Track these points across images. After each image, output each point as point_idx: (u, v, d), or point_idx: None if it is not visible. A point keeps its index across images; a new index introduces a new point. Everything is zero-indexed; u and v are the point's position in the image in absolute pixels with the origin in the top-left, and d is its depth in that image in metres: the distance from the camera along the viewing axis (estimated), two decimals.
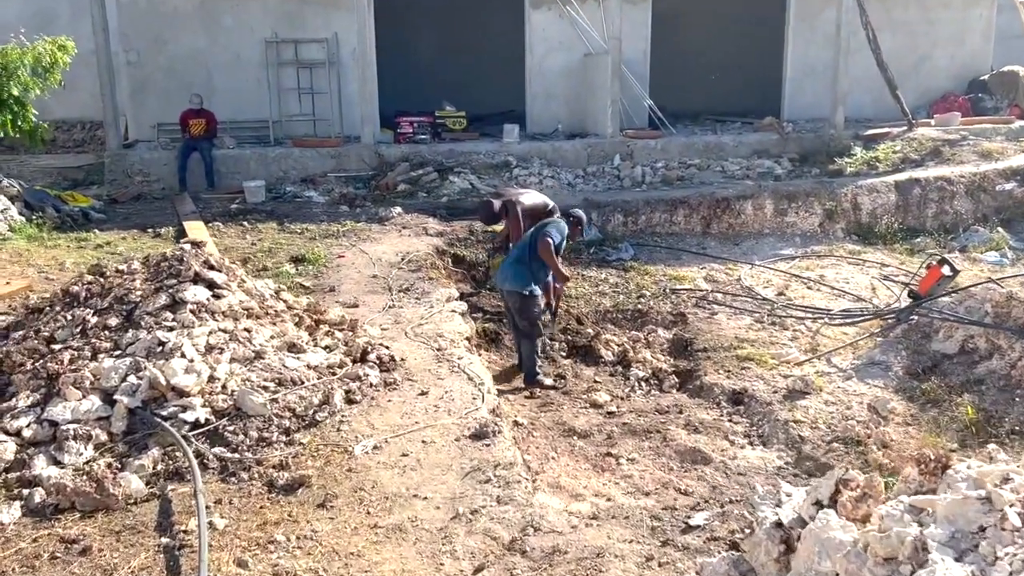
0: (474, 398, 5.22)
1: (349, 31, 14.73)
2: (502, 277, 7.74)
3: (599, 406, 7.57)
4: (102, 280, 5.54)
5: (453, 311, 7.20)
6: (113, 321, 5.07)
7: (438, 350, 6.11)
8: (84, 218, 11.48)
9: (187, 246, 5.79)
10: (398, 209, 11.66)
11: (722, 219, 12.65)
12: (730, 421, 7.24)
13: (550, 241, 7.63)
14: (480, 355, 8.06)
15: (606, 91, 14.94)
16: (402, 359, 5.83)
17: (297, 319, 5.83)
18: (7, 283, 7.00)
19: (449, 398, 5.25)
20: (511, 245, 9.36)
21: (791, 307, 9.67)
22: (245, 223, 11.29)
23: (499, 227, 10.07)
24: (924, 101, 17.46)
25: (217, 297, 5.31)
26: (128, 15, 14.95)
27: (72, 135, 19.46)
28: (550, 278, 8.22)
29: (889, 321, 8.68)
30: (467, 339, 6.62)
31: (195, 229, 10.70)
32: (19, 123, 10.88)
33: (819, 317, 9.33)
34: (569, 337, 9.17)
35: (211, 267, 5.52)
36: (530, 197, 9.47)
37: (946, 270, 8.62)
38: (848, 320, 9.10)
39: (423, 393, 5.34)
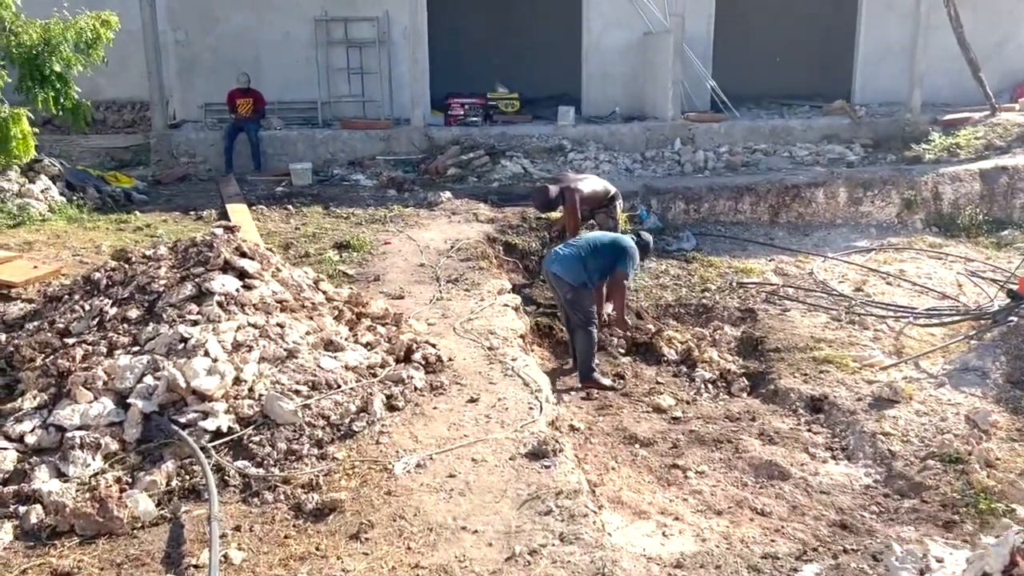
0: (530, 408, 4.61)
1: (400, 9, 14.20)
2: (553, 259, 7.14)
3: (663, 411, 6.95)
4: (126, 267, 5.07)
5: (506, 305, 6.61)
6: (133, 313, 4.59)
7: (489, 349, 5.52)
8: (126, 199, 11.15)
9: (219, 230, 5.30)
10: (447, 194, 11.12)
11: (791, 208, 11.88)
12: (809, 431, 6.56)
13: (627, 283, 7.14)
14: (533, 352, 7.50)
15: (667, 71, 14.18)
16: (450, 359, 5.25)
17: (336, 312, 5.31)
18: (35, 267, 6.61)
19: (502, 406, 4.64)
20: (567, 235, 8.76)
21: (871, 304, 8.91)
22: (290, 207, 10.87)
23: (555, 215, 9.47)
24: (1006, 84, 16.33)
25: (248, 288, 4.79)
26: None
27: (122, 115, 19.30)
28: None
29: (984, 322, 7.87)
30: (521, 337, 6.03)
31: (238, 212, 10.30)
32: (62, 100, 10.56)
33: (903, 316, 8.56)
34: (628, 332, 8.55)
35: (243, 254, 5.01)
36: (589, 184, 8.83)
37: None
38: (936, 320, 8.31)
39: (473, 400, 4.74)
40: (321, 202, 11.14)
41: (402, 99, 14.64)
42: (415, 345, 5.09)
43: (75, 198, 10.59)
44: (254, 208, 10.70)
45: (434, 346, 5.28)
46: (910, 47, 14.55)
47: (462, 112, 14.40)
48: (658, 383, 7.60)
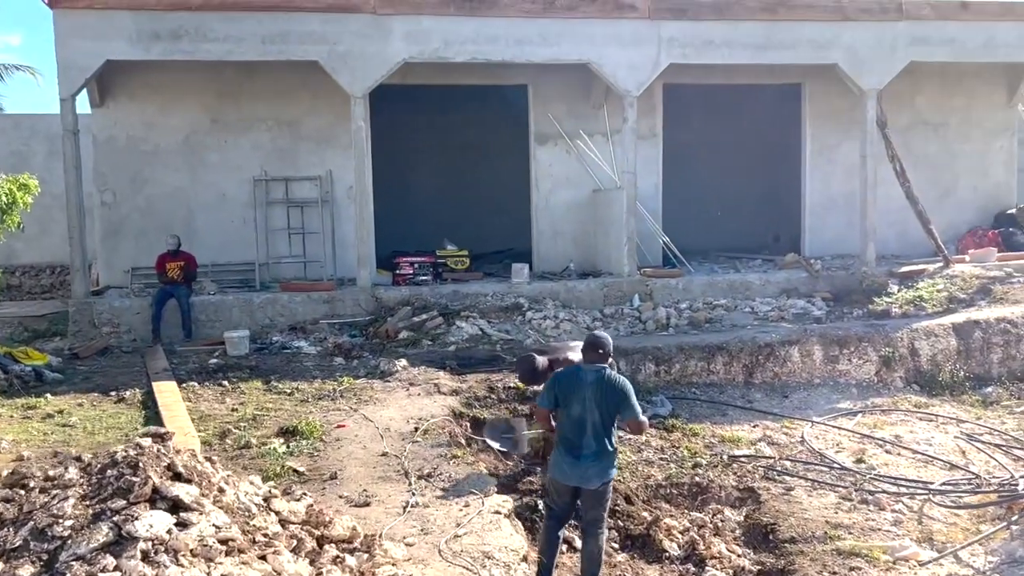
0: None
1: (345, 168, 13.65)
2: (582, 476, 5.83)
3: None
4: (22, 495, 3.92)
5: (497, 512, 5.53)
6: (25, 571, 3.41)
7: None
8: (37, 379, 9.85)
9: (146, 441, 4.20)
10: (403, 362, 10.13)
11: (766, 367, 11.23)
12: None
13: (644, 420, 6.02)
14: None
15: (618, 228, 13.85)
16: None
17: (295, 542, 4.19)
18: None
19: None
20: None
21: (879, 479, 8.11)
22: (225, 382, 9.71)
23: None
24: (950, 235, 16.49)
25: (184, 525, 3.66)
26: (105, 153, 13.81)
27: (40, 280, 18.07)
28: None
29: (1019, 504, 7.10)
30: (524, 559, 4.94)
31: (166, 391, 9.10)
32: None
33: (918, 492, 7.76)
34: (620, 522, 7.51)
35: (177, 475, 3.91)
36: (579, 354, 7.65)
37: None
38: (959, 499, 7.52)
39: None
40: (260, 375, 10.02)
41: (347, 259, 13.86)
42: None
43: None
44: (184, 385, 9.51)
45: None
46: (860, 203, 14.56)
47: (411, 271, 13.66)
48: None
